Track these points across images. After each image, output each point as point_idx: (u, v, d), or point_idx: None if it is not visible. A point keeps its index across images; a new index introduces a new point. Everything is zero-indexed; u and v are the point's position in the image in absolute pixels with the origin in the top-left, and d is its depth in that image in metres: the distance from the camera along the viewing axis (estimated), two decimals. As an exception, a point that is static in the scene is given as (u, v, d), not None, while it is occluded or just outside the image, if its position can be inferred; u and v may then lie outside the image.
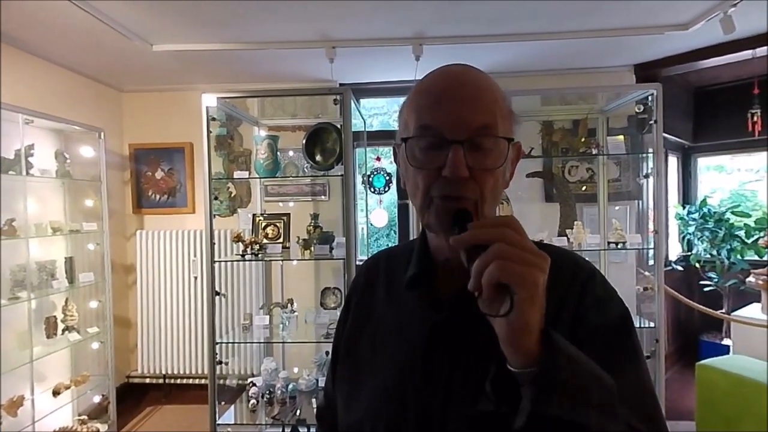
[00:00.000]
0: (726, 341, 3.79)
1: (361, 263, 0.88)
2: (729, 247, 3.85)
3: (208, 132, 2.29)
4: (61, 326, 2.77)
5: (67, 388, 2.77)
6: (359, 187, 3.19)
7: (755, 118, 2.82)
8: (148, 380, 3.58)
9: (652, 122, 2.29)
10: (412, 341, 0.65)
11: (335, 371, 0.77)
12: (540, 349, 0.46)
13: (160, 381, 3.57)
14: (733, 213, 3.92)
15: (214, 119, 2.33)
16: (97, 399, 3.00)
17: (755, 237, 3.77)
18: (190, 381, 3.56)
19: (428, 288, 0.67)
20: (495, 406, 0.50)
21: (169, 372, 3.51)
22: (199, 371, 3.48)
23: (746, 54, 2.85)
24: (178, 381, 3.57)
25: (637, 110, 2.45)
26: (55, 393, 2.69)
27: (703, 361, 2.74)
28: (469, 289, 0.47)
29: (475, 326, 0.51)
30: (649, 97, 2.33)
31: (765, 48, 2.75)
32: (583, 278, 0.63)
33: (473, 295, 0.48)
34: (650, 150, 2.36)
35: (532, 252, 0.47)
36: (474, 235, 0.49)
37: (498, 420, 0.50)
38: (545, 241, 2.42)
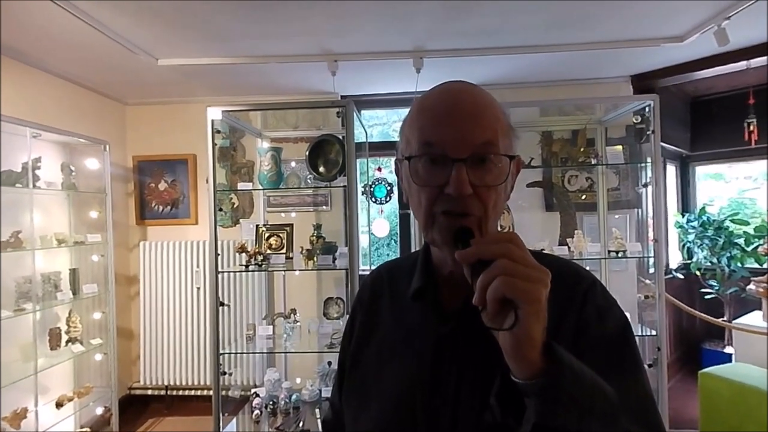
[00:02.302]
0: (728, 349, 3.79)
1: (364, 274, 0.89)
2: (729, 254, 3.86)
3: (213, 144, 2.32)
4: (64, 338, 2.79)
5: (70, 400, 2.78)
6: (360, 197, 3.22)
7: (751, 128, 2.87)
8: (150, 392, 3.58)
9: (649, 132, 2.33)
10: (419, 353, 0.66)
11: (342, 384, 0.78)
12: (544, 361, 0.47)
13: (162, 392, 3.56)
14: (732, 221, 3.94)
15: (218, 131, 2.36)
16: (99, 411, 3.00)
17: (755, 245, 3.79)
18: (192, 392, 3.55)
19: (433, 300, 0.68)
20: (500, 418, 0.50)
21: (172, 383, 3.50)
22: (202, 382, 3.48)
23: (741, 65, 2.90)
24: (181, 392, 3.56)
25: (635, 120, 2.48)
26: (58, 405, 2.70)
27: (705, 370, 2.75)
28: (474, 304, 0.48)
29: (481, 338, 0.52)
30: (647, 108, 2.37)
31: (759, 59, 2.80)
32: (584, 288, 0.65)
33: (478, 308, 0.49)
34: (649, 159, 2.39)
35: (534, 267, 0.48)
36: (479, 251, 0.50)
37: (507, 430, 0.50)
38: (545, 251, 2.45)
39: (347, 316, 0.86)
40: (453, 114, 0.60)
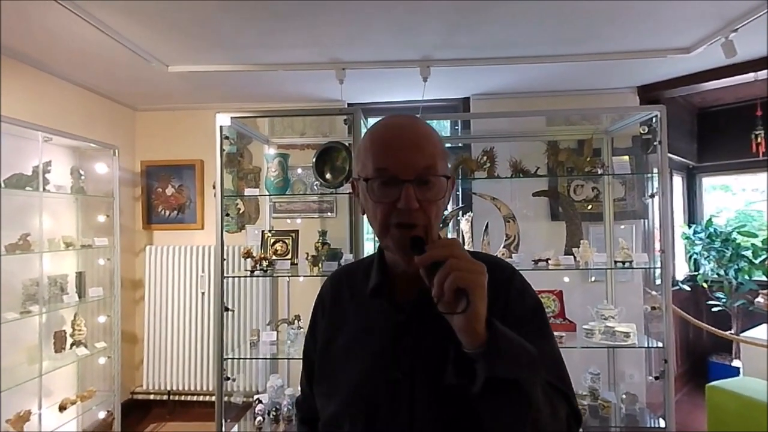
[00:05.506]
0: (736, 362, 3.74)
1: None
2: (736, 267, 3.83)
3: (222, 150, 2.34)
4: (69, 341, 2.80)
5: (73, 403, 2.78)
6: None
7: (759, 140, 2.86)
8: (152, 396, 3.58)
9: (656, 143, 2.32)
10: (379, 339, 0.79)
11: (310, 374, 0.92)
12: (487, 332, 0.62)
13: (165, 397, 3.56)
14: (739, 233, 3.91)
15: (226, 137, 2.38)
16: (102, 415, 3.00)
17: (762, 257, 3.75)
18: (195, 398, 3.55)
19: (389, 295, 0.82)
20: (456, 379, 0.65)
21: (174, 388, 3.50)
22: (204, 388, 3.48)
23: (748, 77, 2.90)
24: (183, 397, 3.56)
25: (642, 131, 2.48)
26: (62, 408, 2.70)
27: (713, 383, 2.71)
28: (434, 296, 0.62)
29: (432, 322, 0.67)
30: (653, 119, 2.36)
31: (767, 71, 2.80)
32: (506, 276, 0.82)
33: (428, 299, 0.63)
34: (655, 170, 2.38)
35: (474, 263, 0.63)
36: (432, 255, 0.64)
37: (456, 394, 0.65)
38: (551, 260, 2.45)
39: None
40: (400, 143, 0.74)
